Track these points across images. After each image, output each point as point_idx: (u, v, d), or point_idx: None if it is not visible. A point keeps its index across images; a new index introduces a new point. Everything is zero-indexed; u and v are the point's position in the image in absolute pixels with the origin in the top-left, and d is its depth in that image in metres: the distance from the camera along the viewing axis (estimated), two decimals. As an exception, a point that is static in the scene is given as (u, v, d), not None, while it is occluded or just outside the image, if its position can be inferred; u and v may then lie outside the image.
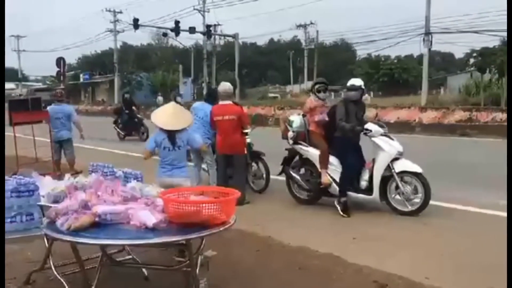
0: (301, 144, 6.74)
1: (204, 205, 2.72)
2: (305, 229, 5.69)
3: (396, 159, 6.08)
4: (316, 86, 6.79)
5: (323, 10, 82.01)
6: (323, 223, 5.94)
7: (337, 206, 6.26)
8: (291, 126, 6.80)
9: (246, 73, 48.87)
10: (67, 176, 3.63)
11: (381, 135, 6.19)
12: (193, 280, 2.94)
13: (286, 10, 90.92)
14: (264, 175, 7.48)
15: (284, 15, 64.48)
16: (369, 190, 6.21)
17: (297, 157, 6.94)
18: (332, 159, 6.46)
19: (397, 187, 6.08)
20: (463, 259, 4.57)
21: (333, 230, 5.63)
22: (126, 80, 45.82)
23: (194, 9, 38.14)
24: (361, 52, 54.13)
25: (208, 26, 36.44)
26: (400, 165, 6.06)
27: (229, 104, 6.88)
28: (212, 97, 7.51)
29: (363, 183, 6.30)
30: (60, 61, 33.51)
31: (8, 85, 60.39)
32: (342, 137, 6.35)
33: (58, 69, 33.67)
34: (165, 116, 4.82)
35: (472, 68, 27.48)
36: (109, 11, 44.25)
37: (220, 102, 6.94)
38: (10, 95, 40.49)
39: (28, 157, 9.94)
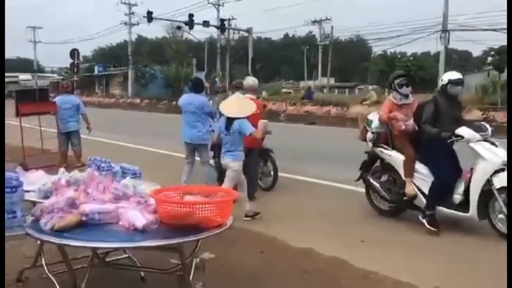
0: (382, 147, 5.91)
1: (197, 206, 2.53)
2: (311, 230, 5.48)
3: (499, 170, 4.93)
4: (397, 81, 5.84)
5: (338, 6, 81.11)
6: (330, 224, 5.71)
7: (423, 221, 5.31)
8: (370, 126, 6.01)
9: (260, 68, 48.55)
10: (61, 170, 3.47)
11: (482, 140, 5.11)
12: (186, 285, 2.76)
13: (301, 5, 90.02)
14: (272, 173, 7.31)
15: (299, 10, 63.84)
16: (464, 206, 5.14)
17: (378, 162, 6.11)
18: (420, 166, 5.52)
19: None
20: (477, 268, 4.33)
21: (340, 232, 5.40)
22: (140, 73, 45.94)
23: (209, 3, 38.02)
24: (377, 49, 53.39)
25: (222, 20, 36.36)
26: (502, 180, 4.86)
27: (255, 98, 6.73)
28: (198, 87, 7.23)
29: (457, 197, 5.25)
30: (74, 53, 33.59)
31: (24, 76, 61.10)
32: (431, 141, 5.37)
33: (72, 60, 33.84)
34: (229, 105, 5.55)
35: (489, 67, 26.90)
36: (125, 3, 44.35)
37: (246, 96, 6.80)
38: (25, 86, 40.91)
39: (35, 148, 9.89)
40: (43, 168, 8.73)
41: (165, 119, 22.37)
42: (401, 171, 5.64)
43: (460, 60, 65.91)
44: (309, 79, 53.56)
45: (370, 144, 6.07)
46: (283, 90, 47.02)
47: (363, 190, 6.28)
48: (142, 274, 3.72)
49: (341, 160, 9.57)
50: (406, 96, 5.85)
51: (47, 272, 3.38)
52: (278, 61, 65.27)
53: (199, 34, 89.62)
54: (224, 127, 5.49)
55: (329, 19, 46.50)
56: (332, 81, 48.97)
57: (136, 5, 44.43)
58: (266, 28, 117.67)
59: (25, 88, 14.07)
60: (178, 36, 55.28)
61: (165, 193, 2.84)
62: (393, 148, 5.82)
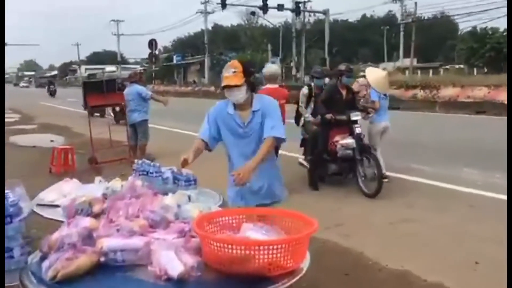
0: None
1: (258, 248, 1.71)
2: (407, 244, 4.49)
3: None
4: None
5: (421, -18, 75.47)
6: (431, 237, 4.66)
7: None
8: None
9: (337, 51, 46.63)
10: (97, 179, 2.83)
11: None
12: None
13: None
14: (376, 174, 6.03)
15: (378, -12, 60.42)
16: None
17: None
18: None
19: None
20: None
21: (445, 248, 4.36)
22: (215, 61, 46.18)
23: (283, -15, 36.83)
24: (464, 25, 49.25)
25: (297, 3, 35.27)
26: None
27: (278, 87, 6.25)
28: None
29: None
30: (152, 43, 34.34)
31: (109, 68, 64.21)
32: None
33: (150, 50, 34.58)
34: (384, 81, 7.28)
35: None
36: (201, -8, 44.56)
37: (268, 85, 6.11)
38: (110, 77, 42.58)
39: (104, 139, 9.68)
40: (112, 162, 8.55)
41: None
42: None
43: (562, 33, 59.13)
44: (389, 61, 50.77)
45: None
46: (361, 73, 44.90)
47: (472, 190, 5.11)
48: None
49: (439, 152, 8.34)
50: None
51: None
52: (356, 43, 62.52)
53: (273, 19, 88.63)
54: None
55: (411, -4, 43.46)
56: (414, 62, 45.90)
57: (211, -8, 44.57)
58: (342, 9, 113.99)
59: (92, 80, 14.17)
60: (253, 23, 54.91)
61: (218, 219, 2.05)
62: None
